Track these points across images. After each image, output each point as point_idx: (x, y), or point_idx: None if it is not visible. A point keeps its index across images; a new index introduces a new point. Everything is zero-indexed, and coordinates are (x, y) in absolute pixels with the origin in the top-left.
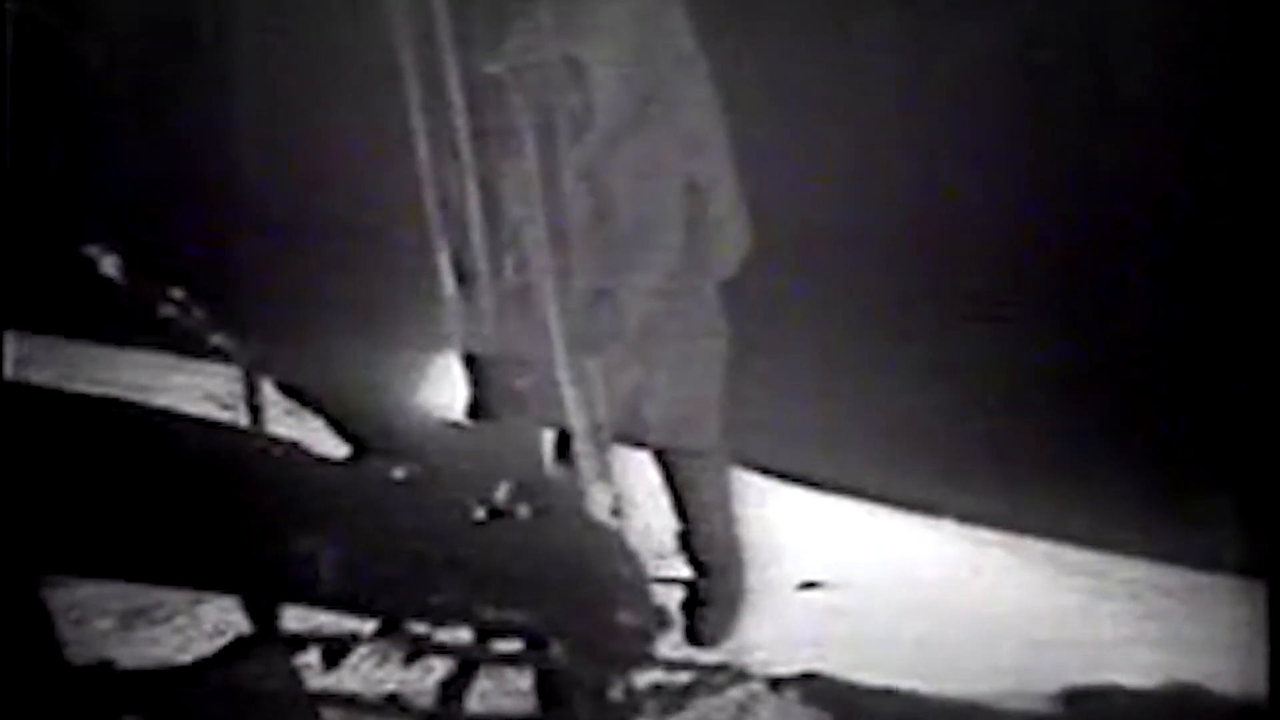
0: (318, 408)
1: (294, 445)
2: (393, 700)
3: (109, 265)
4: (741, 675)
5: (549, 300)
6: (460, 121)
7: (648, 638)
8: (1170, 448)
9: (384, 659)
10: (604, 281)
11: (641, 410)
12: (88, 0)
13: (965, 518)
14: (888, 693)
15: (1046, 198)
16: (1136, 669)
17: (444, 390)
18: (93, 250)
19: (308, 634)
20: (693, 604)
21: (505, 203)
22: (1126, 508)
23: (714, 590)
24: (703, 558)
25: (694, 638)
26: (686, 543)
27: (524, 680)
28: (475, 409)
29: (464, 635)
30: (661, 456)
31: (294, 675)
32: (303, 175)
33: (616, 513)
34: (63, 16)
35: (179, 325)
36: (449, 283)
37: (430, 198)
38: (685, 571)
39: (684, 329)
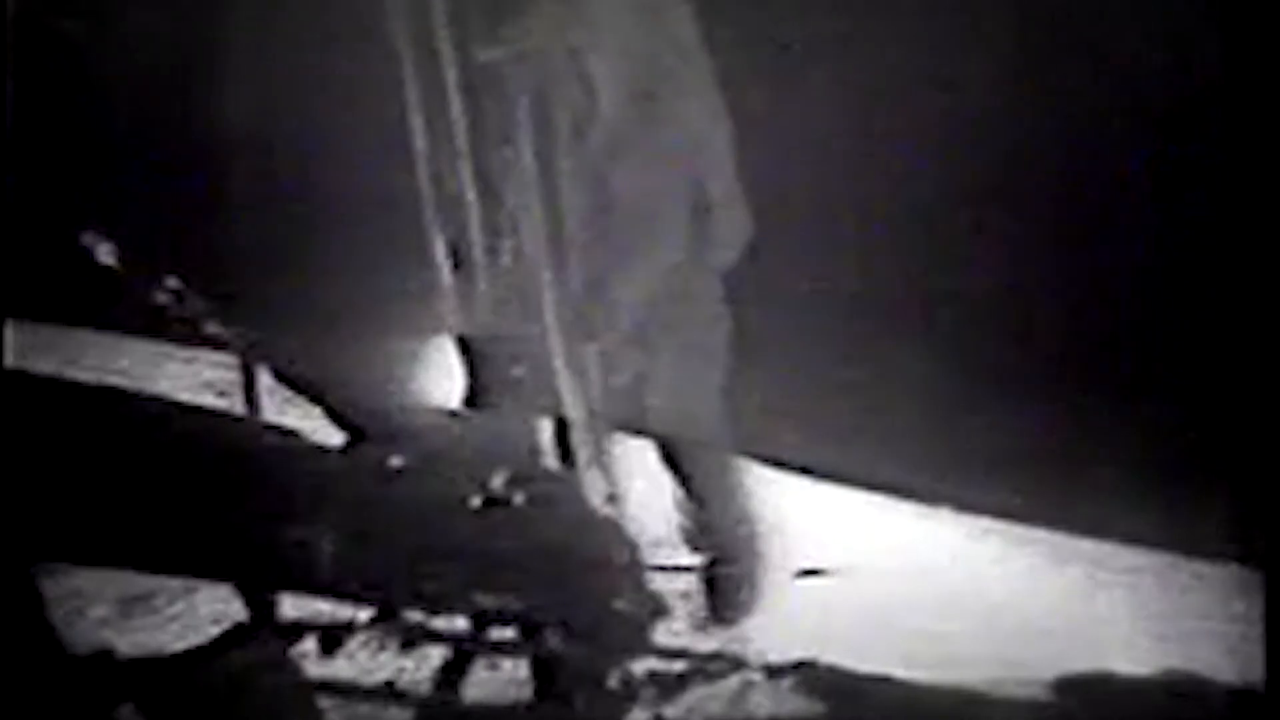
0: (314, 396)
1: (291, 433)
2: (389, 687)
3: (106, 254)
4: (738, 663)
5: (546, 289)
6: (457, 110)
7: (644, 625)
8: (1169, 437)
9: (381, 646)
10: (604, 271)
11: (643, 399)
12: None
13: (962, 506)
14: (883, 681)
15: (1046, 190)
16: (1133, 657)
17: (440, 379)
18: (90, 239)
19: (305, 621)
20: (708, 588)
21: (502, 192)
22: (1124, 496)
23: (719, 577)
24: (703, 547)
25: (708, 619)
26: (687, 532)
27: (520, 668)
28: (472, 397)
29: (460, 623)
30: (664, 445)
31: (291, 663)
32: (299, 163)
33: (613, 500)
34: (60, 9)
35: (175, 313)
36: (446, 271)
37: (427, 186)
38: (684, 559)
39: (686, 318)
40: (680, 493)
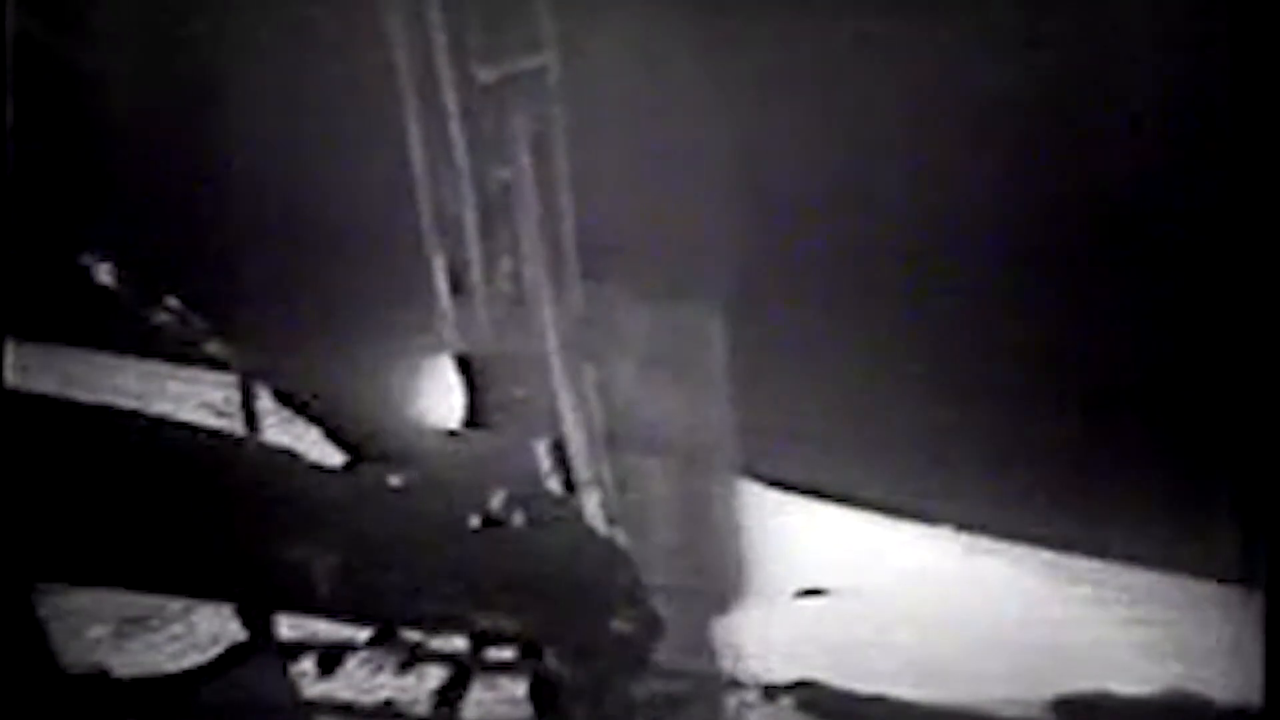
0: (314, 416)
1: (290, 453)
2: (388, 708)
3: (106, 274)
4: (736, 683)
5: (545, 309)
6: (456, 129)
7: (643, 645)
8: (1168, 456)
9: (379, 667)
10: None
11: (643, 419)
12: (84, 10)
13: (962, 526)
14: (881, 700)
15: (1045, 207)
16: (1132, 677)
17: (440, 399)
18: (90, 259)
19: (303, 642)
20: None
21: (501, 211)
22: (1124, 516)
23: (716, 595)
24: (702, 566)
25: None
26: (686, 550)
27: (519, 688)
28: (471, 418)
29: (459, 643)
30: (664, 464)
31: (289, 683)
32: (299, 184)
33: (611, 521)
34: (59, 27)
35: (175, 333)
36: (445, 291)
37: (426, 206)
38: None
39: (686, 339)
40: (681, 513)
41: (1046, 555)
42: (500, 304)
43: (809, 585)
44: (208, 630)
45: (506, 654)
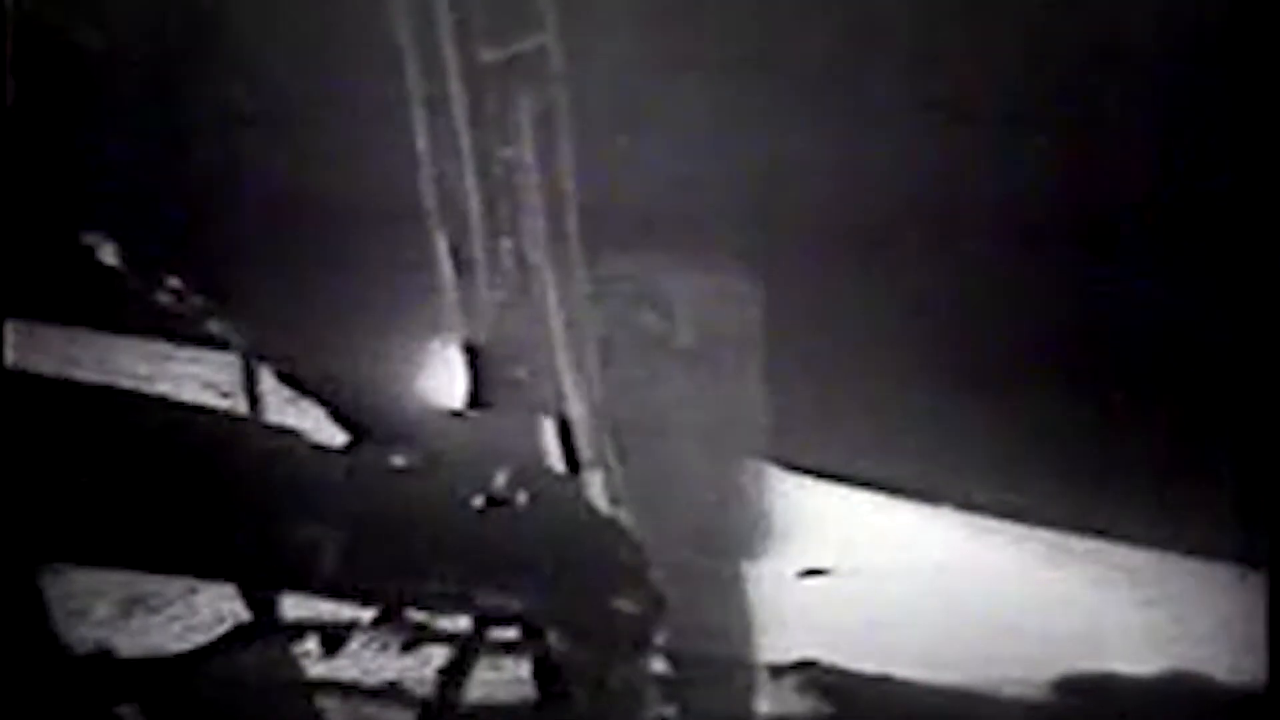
0: (317, 396)
1: (293, 433)
2: (392, 688)
3: (108, 253)
4: (740, 663)
5: (548, 287)
6: (460, 111)
7: (646, 625)
8: (1170, 437)
9: (383, 647)
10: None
11: (646, 398)
12: None
13: (965, 506)
14: (885, 680)
15: (1049, 195)
16: (1136, 657)
17: (443, 379)
18: (92, 239)
19: (307, 622)
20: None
21: (504, 191)
22: (1128, 497)
23: (716, 576)
24: (705, 545)
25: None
26: (689, 530)
27: (522, 668)
28: (474, 397)
29: (462, 623)
30: (667, 443)
31: (293, 663)
32: (302, 164)
33: (615, 500)
34: (62, 7)
35: (177, 313)
36: (448, 271)
37: (430, 187)
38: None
39: (688, 319)
40: (684, 492)
41: (1049, 535)
42: (503, 283)
43: (811, 565)
44: (211, 610)
45: (510, 634)
